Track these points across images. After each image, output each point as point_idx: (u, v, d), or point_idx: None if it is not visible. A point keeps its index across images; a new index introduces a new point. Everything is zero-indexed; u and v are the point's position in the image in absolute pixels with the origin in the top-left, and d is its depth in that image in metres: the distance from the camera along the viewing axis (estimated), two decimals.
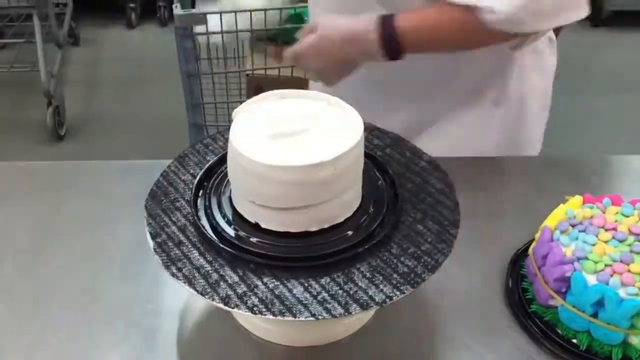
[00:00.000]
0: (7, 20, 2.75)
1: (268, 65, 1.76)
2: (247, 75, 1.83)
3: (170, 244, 0.62)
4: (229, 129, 0.78)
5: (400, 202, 0.66)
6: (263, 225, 0.63)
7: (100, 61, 2.96)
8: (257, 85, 1.81)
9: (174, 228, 0.64)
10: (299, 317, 0.56)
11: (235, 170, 0.63)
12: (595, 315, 0.64)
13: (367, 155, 0.66)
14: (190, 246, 0.62)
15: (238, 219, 0.64)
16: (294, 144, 0.62)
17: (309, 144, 0.62)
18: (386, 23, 0.80)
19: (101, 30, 3.18)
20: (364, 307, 0.57)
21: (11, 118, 2.56)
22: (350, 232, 0.63)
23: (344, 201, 0.64)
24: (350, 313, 0.56)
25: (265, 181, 0.60)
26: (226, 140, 0.65)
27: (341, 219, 0.64)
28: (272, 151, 0.60)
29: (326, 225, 0.63)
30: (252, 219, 0.64)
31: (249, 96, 1.85)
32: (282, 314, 0.56)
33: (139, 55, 2.95)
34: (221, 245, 0.61)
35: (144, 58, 2.92)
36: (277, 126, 0.63)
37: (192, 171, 0.71)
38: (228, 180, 0.67)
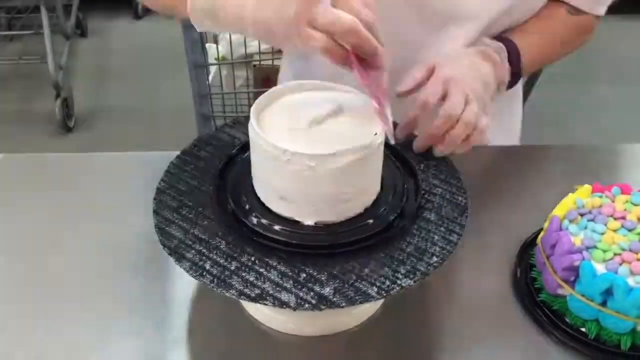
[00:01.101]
0: (15, 12, 2.76)
1: (275, 56, 1.76)
2: (254, 65, 1.83)
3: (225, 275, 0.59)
4: (235, 120, 0.78)
5: (420, 191, 0.67)
6: (303, 220, 0.63)
7: (107, 52, 2.96)
8: (265, 76, 1.81)
9: (215, 258, 0.61)
10: (378, 296, 0.57)
11: (273, 167, 0.61)
12: (604, 304, 0.64)
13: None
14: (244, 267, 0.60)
15: (275, 219, 0.64)
16: (320, 134, 0.62)
17: (335, 134, 0.62)
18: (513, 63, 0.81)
19: (108, 21, 3.18)
20: (428, 268, 0.60)
21: (20, 110, 2.57)
22: (370, 221, 0.64)
23: (368, 192, 0.64)
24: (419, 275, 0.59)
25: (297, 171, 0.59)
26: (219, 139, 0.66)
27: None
28: (304, 142, 0.60)
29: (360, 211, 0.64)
30: (289, 215, 0.63)
31: (256, 86, 1.86)
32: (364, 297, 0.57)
33: (147, 46, 2.96)
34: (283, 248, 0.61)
35: (151, 48, 2.92)
36: (300, 117, 0.63)
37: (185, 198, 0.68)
38: (232, 182, 0.67)
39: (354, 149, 0.59)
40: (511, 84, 0.83)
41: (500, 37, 0.83)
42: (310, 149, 0.58)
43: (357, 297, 0.57)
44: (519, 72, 0.83)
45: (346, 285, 0.58)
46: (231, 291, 0.57)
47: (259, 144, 0.61)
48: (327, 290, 0.57)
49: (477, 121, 0.72)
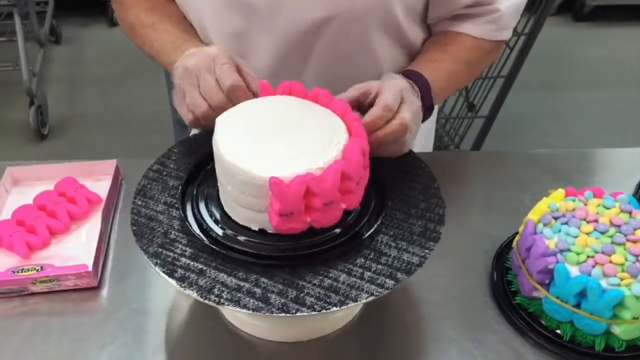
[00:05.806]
0: None
1: None
2: None
3: (192, 276, 0.59)
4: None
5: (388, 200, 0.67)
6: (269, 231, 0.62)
7: (82, 59, 2.93)
8: None
9: (184, 260, 0.61)
10: (360, 300, 0.57)
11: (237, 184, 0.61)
12: (578, 306, 0.65)
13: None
14: (214, 271, 0.59)
15: (239, 229, 0.63)
16: (282, 149, 0.61)
17: (297, 150, 0.61)
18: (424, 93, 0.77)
19: (83, 28, 3.15)
20: (409, 272, 0.59)
21: None
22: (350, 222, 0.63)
23: None
24: (399, 280, 0.59)
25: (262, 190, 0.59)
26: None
27: None
28: (265, 160, 0.59)
29: None
30: (255, 227, 0.63)
31: None
32: (343, 303, 0.56)
33: (121, 53, 2.93)
34: (254, 261, 0.60)
35: (126, 56, 2.89)
36: (263, 132, 0.63)
37: (160, 204, 0.67)
38: (202, 194, 0.67)
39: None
40: (426, 117, 0.78)
41: (408, 71, 0.78)
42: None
43: (317, 306, 0.56)
44: (432, 106, 0.80)
45: (307, 294, 0.57)
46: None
47: (226, 167, 0.61)
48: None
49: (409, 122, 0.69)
